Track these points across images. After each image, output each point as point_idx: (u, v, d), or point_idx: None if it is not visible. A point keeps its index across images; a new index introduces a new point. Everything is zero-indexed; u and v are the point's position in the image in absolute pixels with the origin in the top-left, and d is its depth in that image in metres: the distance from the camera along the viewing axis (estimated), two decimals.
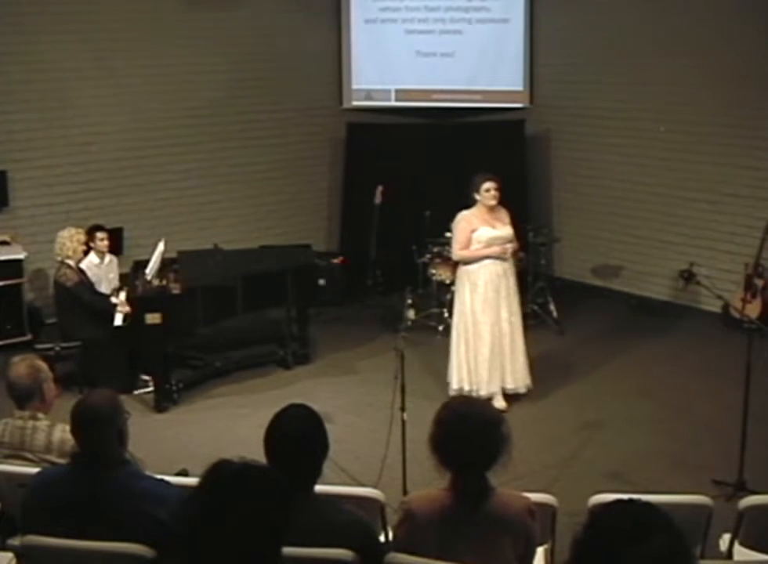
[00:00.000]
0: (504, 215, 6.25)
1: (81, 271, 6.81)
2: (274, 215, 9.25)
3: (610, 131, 8.76)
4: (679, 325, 8.07)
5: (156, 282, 6.61)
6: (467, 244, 6.17)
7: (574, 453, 5.68)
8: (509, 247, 6.19)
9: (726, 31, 7.76)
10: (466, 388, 6.23)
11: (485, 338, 6.19)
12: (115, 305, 6.60)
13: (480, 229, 6.13)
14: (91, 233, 7.03)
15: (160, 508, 2.88)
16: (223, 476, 2.07)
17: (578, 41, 8.86)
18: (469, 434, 2.76)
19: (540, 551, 3.38)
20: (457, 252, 6.27)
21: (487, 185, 6.08)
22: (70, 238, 6.68)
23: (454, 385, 6.30)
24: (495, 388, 6.22)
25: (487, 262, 6.17)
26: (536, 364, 6.62)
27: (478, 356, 6.22)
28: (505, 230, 6.19)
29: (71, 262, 6.70)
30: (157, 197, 8.49)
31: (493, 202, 6.11)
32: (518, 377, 6.32)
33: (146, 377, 6.67)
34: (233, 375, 7.03)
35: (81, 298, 6.59)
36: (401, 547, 2.83)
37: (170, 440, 5.93)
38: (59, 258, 6.70)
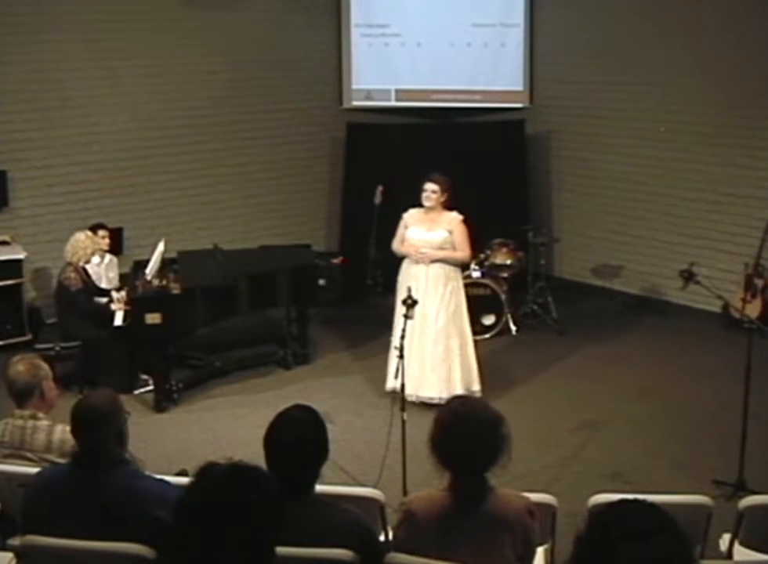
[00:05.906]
0: (448, 220, 6.07)
1: (85, 271, 6.82)
2: (274, 215, 9.25)
3: (610, 131, 8.76)
4: (679, 325, 8.06)
5: (156, 282, 6.61)
6: (401, 240, 6.23)
7: (574, 453, 5.68)
8: (426, 252, 6.05)
9: (727, 31, 7.75)
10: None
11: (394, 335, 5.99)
12: (113, 308, 6.62)
13: (411, 229, 6.18)
14: (93, 231, 7.06)
15: (159, 508, 2.88)
16: (212, 478, 2.07)
17: (578, 41, 8.86)
18: (468, 434, 2.75)
19: (540, 551, 3.38)
20: (393, 246, 6.33)
21: (425, 185, 6.05)
22: (84, 248, 6.69)
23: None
24: (390, 385, 6.06)
25: (405, 261, 6.21)
26: (536, 364, 6.61)
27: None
28: (436, 235, 6.08)
29: (77, 266, 6.71)
30: (157, 196, 8.49)
31: (426, 203, 6.07)
32: (413, 384, 5.95)
33: (146, 377, 6.68)
34: (233, 375, 7.03)
35: (78, 304, 6.60)
36: (401, 548, 2.84)
37: (170, 440, 5.93)
38: (66, 259, 6.71)
